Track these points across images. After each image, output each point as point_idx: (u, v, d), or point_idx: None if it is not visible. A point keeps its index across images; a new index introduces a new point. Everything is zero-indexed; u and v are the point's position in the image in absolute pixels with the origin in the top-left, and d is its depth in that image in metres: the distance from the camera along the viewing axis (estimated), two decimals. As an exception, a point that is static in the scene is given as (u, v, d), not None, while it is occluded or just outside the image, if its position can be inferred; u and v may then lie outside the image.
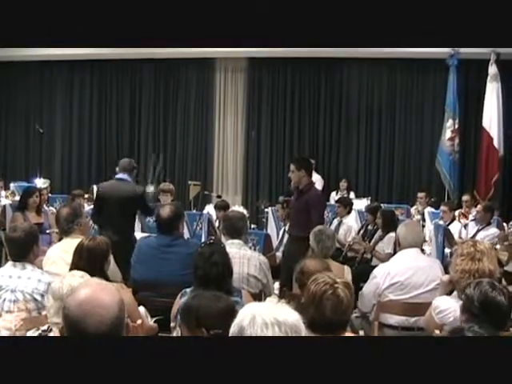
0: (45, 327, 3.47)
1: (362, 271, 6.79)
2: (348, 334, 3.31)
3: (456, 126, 12.11)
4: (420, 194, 11.42)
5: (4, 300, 4.43)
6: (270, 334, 2.22)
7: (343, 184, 12.94)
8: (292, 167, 6.85)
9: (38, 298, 4.40)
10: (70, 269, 4.35)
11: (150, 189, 7.74)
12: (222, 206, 9.08)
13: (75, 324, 2.20)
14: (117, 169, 7.32)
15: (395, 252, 5.81)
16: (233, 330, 2.30)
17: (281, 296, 5.71)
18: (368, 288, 5.27)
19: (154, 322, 4.78)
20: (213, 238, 6.56)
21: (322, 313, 3.17)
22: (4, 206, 9.11)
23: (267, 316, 2.25)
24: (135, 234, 7.38)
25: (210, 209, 9.83)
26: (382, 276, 5.19)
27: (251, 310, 2.30)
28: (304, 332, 2.31)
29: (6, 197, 9.82)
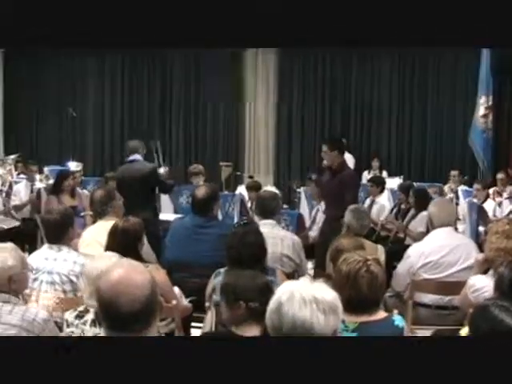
0: (81, 308, 3.51)
1: (395, 250, 6.75)
2: (381, 312, 3.31)
3: (490, 103, 11.93)
4: (453, 172, 11.31)
5: (41, 282, 4.49)
6: (307, 311, 2.24)
7: (375, 163, 12.85)
8: (325, 148, 6.80)
9: (74, 279, 4.44)
10: (105, 251, 4.40)
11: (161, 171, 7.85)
12: (254, 187, 9.08)
13: (109, 305, 2.22)
14: (127, 152, 7.33)
15: (428, 231, 5.77)
16: (271, 307, 2.32)
17: (315, 276, 5.71)
18: (402, 267, 5.24)
19: (189, 302, 4.82)
20: (245, 218, 6.58)
21: (359, 291, 3.17)
22: (39, 190, 9.21)
23: (305, 293, 2.27)
24: (168, 215, 7.42)
25: (241, 189, 9.84)
26: (415, 255, 5.16)
27: (290, 287, 2.33)
28: (341, 310, 2.33)
29: (41, 180, 9.89)
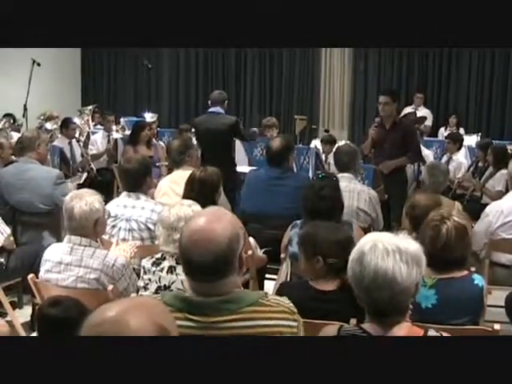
0: (158, 255, 3.56)
1: (472, 209, 6.62)
2: (462, 270, 3.24)
3: None
4: (533, 130, 10.96)
5: (119, 229, 4.58)
6: (390, 261, 2.20)
7: (452, 120, 12.53)
8: (386, 99, 6.73)
9: (152, 227, 4.49)
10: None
11: None
12: (329, 141, 9.04)
13: (184, 252, 2.24)
14: (209, 102, 7.32)
15: (507, 190, 5.64)
16: (353, 257, 2.29)
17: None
18: (480, 226, 5.14)
19: (263, 253, 4.84)
20: (321, 172, 6.53)
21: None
22: (115, 140, 9.37)
23: (388, 243, 2.23)
24: (243, 167, 7.42)
25: (316, 143, 9.78)
26: (494, 214, 5.04)
27: (372, 238, 2.29)
28: (424, 263, 2.28)
29: (117, 131, 10.03)
